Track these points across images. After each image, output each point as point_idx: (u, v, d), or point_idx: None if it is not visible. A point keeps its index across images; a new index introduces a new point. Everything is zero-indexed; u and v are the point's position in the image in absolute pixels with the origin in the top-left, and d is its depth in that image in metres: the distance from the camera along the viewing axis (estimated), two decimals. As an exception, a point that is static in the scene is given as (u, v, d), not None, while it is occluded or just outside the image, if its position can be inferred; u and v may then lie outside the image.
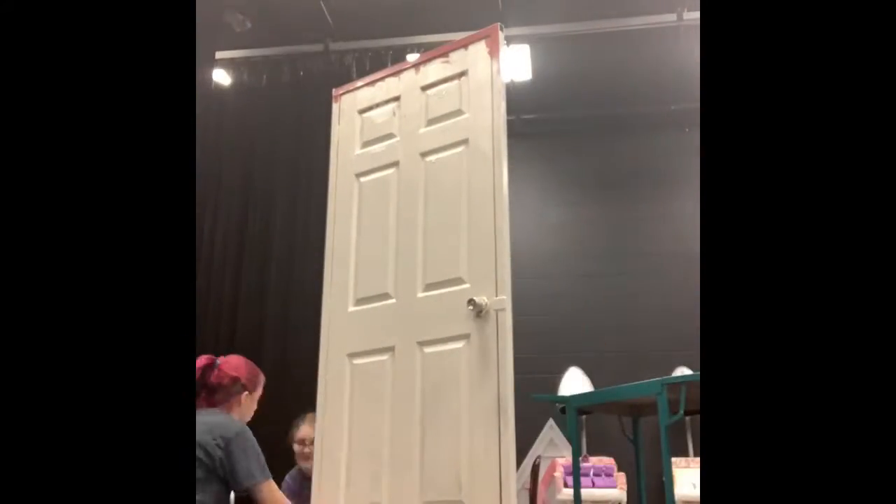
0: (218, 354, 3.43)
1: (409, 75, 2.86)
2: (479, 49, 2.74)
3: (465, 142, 2.65)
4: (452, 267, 2.50)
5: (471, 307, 2.34)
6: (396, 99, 2.86)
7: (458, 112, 2.70)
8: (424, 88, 2.81)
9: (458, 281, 2.48)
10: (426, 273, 2.54)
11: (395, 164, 2.76)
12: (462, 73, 2.73)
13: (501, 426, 2.19)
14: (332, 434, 2.55)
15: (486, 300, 2.35)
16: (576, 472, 3.00)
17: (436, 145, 2.70)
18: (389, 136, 2.81)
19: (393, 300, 2.58)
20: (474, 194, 2.56)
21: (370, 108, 2.91)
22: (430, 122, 2.76)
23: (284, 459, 4.52)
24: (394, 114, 2.84)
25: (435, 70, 2.82)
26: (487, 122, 2.60)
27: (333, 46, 5.13)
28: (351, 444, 2.55)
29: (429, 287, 2.53)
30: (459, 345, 2.39)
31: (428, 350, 2.45)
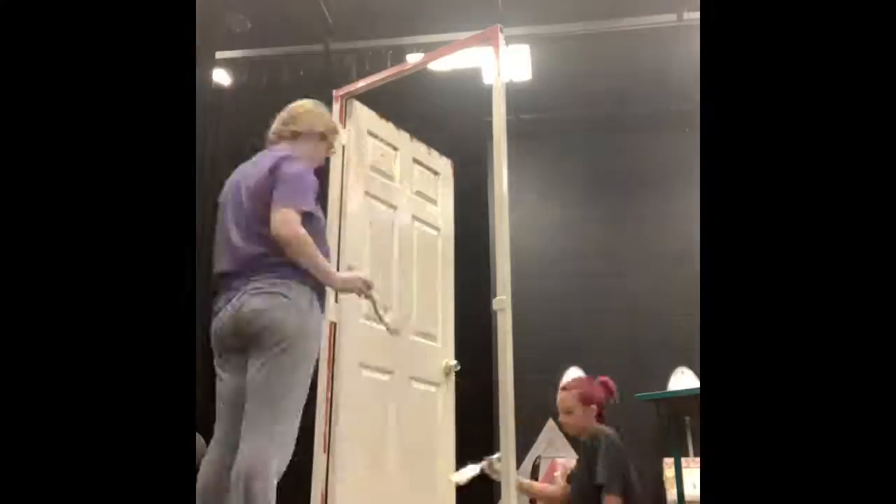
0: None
1: (402, 135, 3.23)
2: (446, 166, 3.41)
3: (438, 230, 3.27)
4: (432, 326, 3.12)
5: (444, 368, 3.04)
6: (396, 148, 3.15)
7: (434, 202, 3.30)
8: (415, 161, 3.23)
9: (434, 338, 3.11)
10: (416, 320, 3.03)
11: (395, 207, 3.07)
12: (437, 173, 3.35)
13: (501, 425, 2.21)
14: (344, 441, 2.56)
15: (450, 363, 3.08)
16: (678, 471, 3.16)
17: (422, 217, 3.20)
18: (391, 177, 3.10)
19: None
20: (445, 274, 3.25)
21: (376, 137, 3.10)
22: (417, 193, 3.21)
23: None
24: (394, 160, 3.14)
25: (422, 151, 3.30)
26: (451, 221, 3.36)
27: (333, 46, 5.13)
28: (365, 455, 2.61)
29: (417, 333, 3.03)
30: (433, 389, 3.04)
31: (416, 385, 2.96)
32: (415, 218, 3.16)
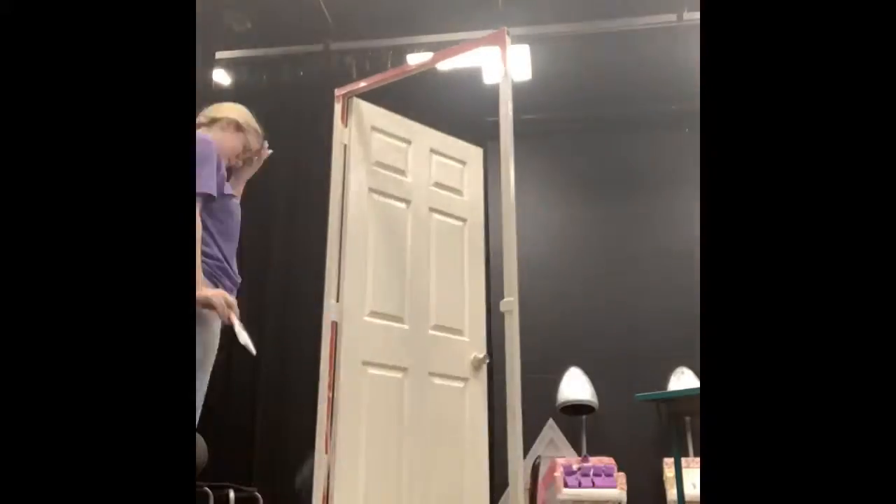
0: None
1: (417, 127, 3.19)
2: (476, 154, 3.34)
3: (464, 220, 3.19)
4: (457, 319, 3.04)
5: (473, 361, 3.01)
6: (407, 141, 3.12)
7: (459, 192, 3.22)
8: (433, 151, 3.18)
9: (460, 332, 3.03)
10: (436, 315, 2.96)
11: (407, 202, 3.03)
12: (462, 162, 3.28)
13: (509, 425, 2.22)
14: (347, 440, 2.55)
15: (480, 356, 3.02)
16: (678, 470, 3.19)
17: (443, 208, 3.12)
18: (401, 171, 3.06)
19: (406, 326, 2.87)
20: (473, 264, 3.16)
21: (382, 132, 3.07)
22: (437, 184, 3.14)
23: (280, 456, 4.53)
24: (405, 153, 3.10)
25: (441, 140, 3.24)
26: (480, 210, 3.27)
27: (333, 46, 5.13)
28: (367, 454, 2.59)
29: (436, 328, 2.96)
30: (461, 385, 2.98)
31: (436, 381, 2.92)
32: (433, 210, 3.10)
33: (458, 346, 3.02)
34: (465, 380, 2.99)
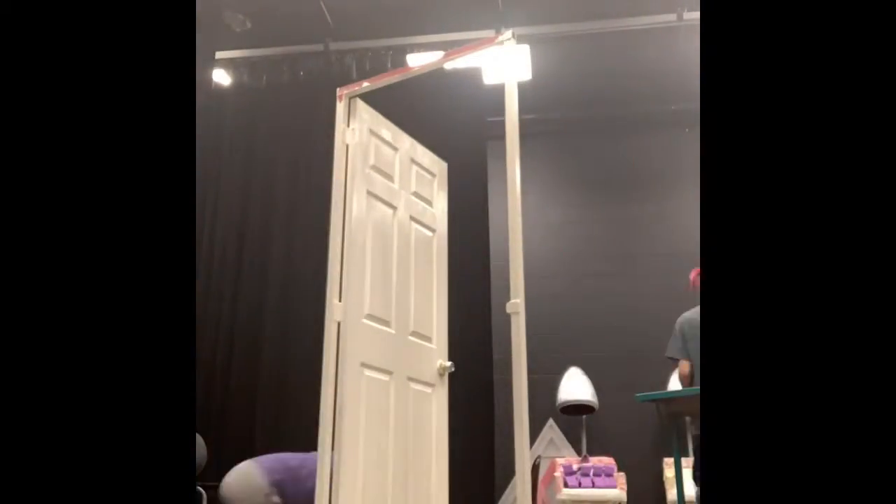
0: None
1: (401, 133, 3.25)
2: (442, 168, 3.45)
3: (434, 231, 3.31)
4: (428, 327, 3.14)
5: (439, 369, 3.14)
6: (396, 149, 3.17)
7: (430, 203, 3.33)
8: (413, 161, 3.27)
9: (430, 339, 3.14)
10: (414, 321, 3.05)
11: (395, 208, 3.08)
12: (433, 174, 3.41)
13: (516, 425, 2.25)
14: (349, 441, 2.57)
15: (445, 364, 3.15)
16: (678, 469, 3.18)
17: (419, 218, 3.21)
18: (391, 178, 3.11)
19: (392, 331, 2.94)
20: (440, 274, 3.28)
21: (377, 136, 3.11)
22: (415, 194, 3.23)
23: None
24: (393, 160, 3.15)
25: (420, 153, 3.32)
26: (445, 223, 3.40)
27: (333, 46, 5.13)
28: (365, 453, 2.62)
29: (414, 334, 3.06)
30: (429, 390, 3.08)
31: (413, 386, 2.99)
32: (412, 219, 3.17)
33: (429, 353, 3.11)
34: (432, 385, 3.10)
